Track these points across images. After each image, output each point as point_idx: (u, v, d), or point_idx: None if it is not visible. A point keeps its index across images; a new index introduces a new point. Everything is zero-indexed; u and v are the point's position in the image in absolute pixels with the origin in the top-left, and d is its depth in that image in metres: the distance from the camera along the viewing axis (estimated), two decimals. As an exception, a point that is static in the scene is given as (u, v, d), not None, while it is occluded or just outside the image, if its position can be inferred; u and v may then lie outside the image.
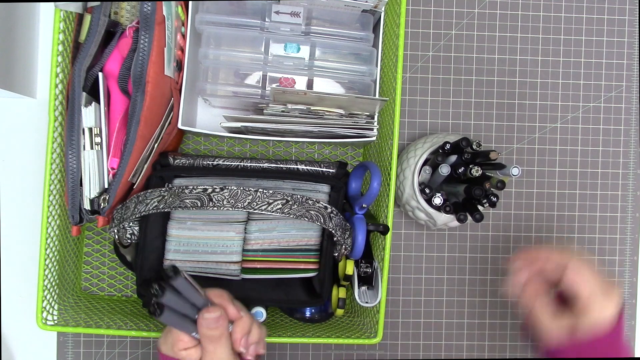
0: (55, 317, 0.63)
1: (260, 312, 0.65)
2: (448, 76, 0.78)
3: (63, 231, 0.65)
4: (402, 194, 0.70)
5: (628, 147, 0.80)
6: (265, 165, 0.66)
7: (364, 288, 0.66)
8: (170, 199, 0.58)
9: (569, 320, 0.57)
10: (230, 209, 0.56)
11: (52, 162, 0.61)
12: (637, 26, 0.80)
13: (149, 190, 0.61)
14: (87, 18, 0.60)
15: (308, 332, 0.67)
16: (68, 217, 0.62)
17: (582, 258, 0.59)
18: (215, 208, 0.56)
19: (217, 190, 0.58)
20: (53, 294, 0.64)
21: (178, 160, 0.66)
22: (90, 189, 0.60)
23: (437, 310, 0.78)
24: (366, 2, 0.63)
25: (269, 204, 0.57)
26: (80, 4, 0.60)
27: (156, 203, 0.58)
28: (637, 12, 0.80)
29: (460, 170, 0.65)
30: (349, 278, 0.65)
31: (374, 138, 0.65)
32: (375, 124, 0.64)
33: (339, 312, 0.68)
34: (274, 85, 0.66)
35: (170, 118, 0.64)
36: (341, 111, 0.63)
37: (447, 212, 0.68)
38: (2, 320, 0.73)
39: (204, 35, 0.65)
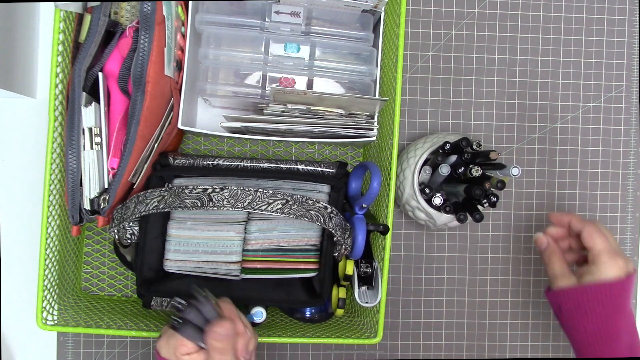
0: (55, 317, 0.63)
1: (260, 312, 0.65)
2: (448, 76, 0.78)
3: (63, 231, 0.65)
4: (402, 194, 0.70)
5: (628, 147, 0.80)
6: (265, 165, 0.66)
7: (364, 288, 0.66)
8: (170, 199, 0.58)
9: (579, 269, 0.63)
10: (230, 209, 0.56)
11: (52, 162, 0.61)
12: (637, 26, 0.80)
13: (149, 190, 0.61)
14: (87, 18, 0.60)
15: (308, 332, 0.67)
16: (68, 217, 0.62)
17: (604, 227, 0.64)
18: (215, 208, 0.56)
19: (217, 190, 0.58)
20: (53, 294, 0.64)
21: (178, 160, 0.66)
22: (90, 189, 0.60)
23: (437, 310, 0.78)
24: (366, 2, 0.63)
25: (269, 204, 0.57)
26: (80, 4, 0.60)
27: (156, 203, 0.58)
28: (637, 12, 0.80)
29: (460, 170, 0.65)
30: (349, 278, 0.65)
31: (374, 138, 0.65)
32: (375, 124, 0.64)
33: (339, 312, 0.68)
34: (274, 85, 0.66)
35: (170, 118, 0.64)
36: (341, 111, 0.63)
37: (447, 212, 0.68)
38: (2, 320, 0.73)
39: (204, 35, 0.65)
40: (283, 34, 0.66)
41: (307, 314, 0.70)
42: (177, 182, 0.65)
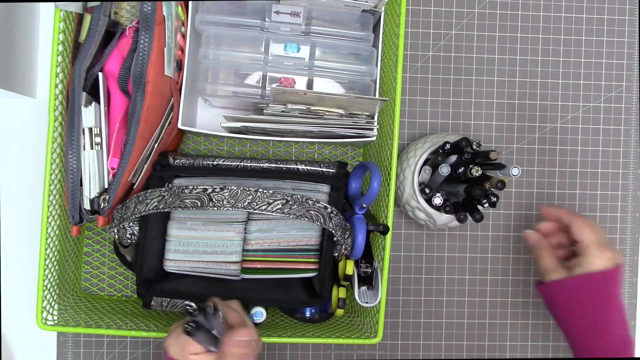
0: (55, 317, 0.63)
1: (260, 312, 0.65)
2: (448, 76, 0.78)
3: (63, 231, 0.65)
4: (402, 194, 0.70)
5: (628, 147, 0.80)
6: (265, 165, 0.66)
7: (364, 288, 0.66)
8: (170, 199, 0.58)
9: (569, 263, 0.64)
10: (230, 209, 0.56)
11: (52, 162, 0.61)
12: (637, 26, 0.80)
13: (149, 190, 0.61)
14: (87, 18, 0.60)
15: (308, 332, 0.67)
16: (68, 217, 0.62)
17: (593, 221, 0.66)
18: (215, 208, 0.56)
19: (217, 190, 0.58)
20: (53, 294, 0.64)
21: (178, 160, 0.66)
22: (90, 189, 0.60)
23: (437, 310, 0.78)
24: (366, 2, 0.63)
25: (269, 204, 0.57)
26: (80, 4, 0.60)
27: (156, 203, 0.58)
28: (637, 12, 0.80)
29: (460, 170, 0.65)
30: (349, 278, 0.65)
31: (374, 138, 0.65)
32: (375, 124, 0.64)
33: (339, 312, 0.68)
34: (274, 85, 0.66)
35: (170, 118, 0.64)
36: (341, 111, 0.63)
37: (447, 212, 0.68)
38: (2, 320, 0.73)
39: (204, 35, 0.65)
40: (283, 34, 0.66)
41: (307, 314, 0.70)
42: (177, 182, 0.65)
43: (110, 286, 0.75)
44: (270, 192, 0.58)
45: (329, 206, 0.60)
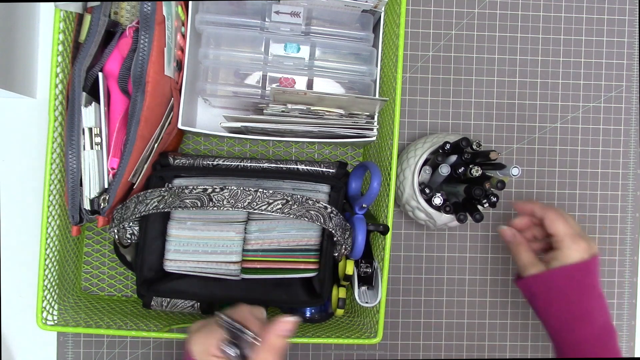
0: (55, 317, 0.63)
1: (260, 312, 0.65)
2: (448, 76, 0.78)
3: (63, 231, 0.65)
4: (402, 194, 0.70)
5: (628, 147, 0.80)
6: (265, 165, 0.66)
7: (364, 288, 0.66)
8: (170, 199, 0.58)
9: (546, 256, 0.65)
10: (230, 209, 0.56)
11: (52, 162, 0.61)
12: (637, 26, 0.80)
13: (149, 190, 0.61)
14: (87, 18, 0.60)
15: (308, 332, 0.67)
16: (68, 217, 0.62)
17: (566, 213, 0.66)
18: (215, 208, 0.56)
19: (217, 190, 0.58)
20: (53, 294, 0.64)
21: (178, 160, 0.66)
22: (90, 189, 0.60)
23: (437, 310, 0.78)
24: (366, 2, 0.63)
25: (269, 204, 0.57)
26: (80, 4, 0.60)
27: (156, 203, 0.58)
28: (637, 12, 0.80)
29: (460, 170, 0.65)
30: (349, 278, 0.65)
31: (374, 138, 0.65)
32: (375, 124, 0.64)
33: (339, 312, 0.68)
34: (274, 85, 0.66)
35: (170, 118, 0.64)
36: (341, 111, 0.63)
37: (447, 212, 0.68)
38: (2, 320, 0.73)
39: (204, 35, 0.65)
40: (283, 34, 0.66)
41: (307, 314, 0.70)
42: (177, 182, 0.65)
43: (110, 286, 0.75)
44: (270, 192, 0.58)
45: (329, 206, 0.60)
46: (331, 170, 0.66)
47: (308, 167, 0.66)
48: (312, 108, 0.62)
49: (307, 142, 0.75)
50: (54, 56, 0.59)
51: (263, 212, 0.57)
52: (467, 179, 0.68)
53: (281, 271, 0.63)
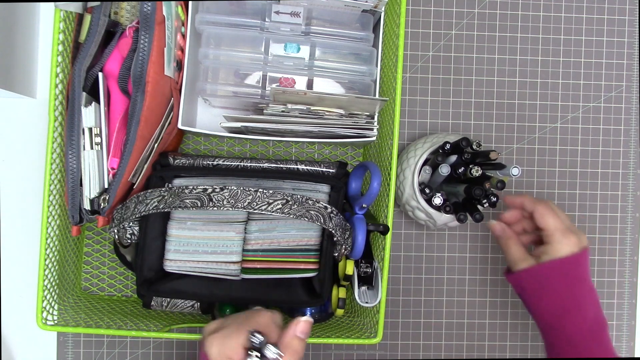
0: (55, 317, 0.63)
1: (260, 312, 0.65)
2: (448, 76, 0.78)
3: (63, 231, 0.65)
4: (402, 194, 0.70)
5: (628, 147, 0.80)
6: (265, 165, 0.66)
7: (364, 288, 0.66)
8: (170, 199, 0.58)
9: (536, 250, 0.65)
10: (230, 209, 0.56)
11: (52, 162, 0.61)
12: (637, 26, 0.80)
13: (149, 190, 0.61)
14: (87, 18, 0.60)
15: (308, 332, 0.67)
16: (68, 217, 0.62)
17: (556, 205, 0.66)
18: (215, 208, 0.56)
19: (217, 190, 0.58)
20: (53, 294, 0.64)
21: (178, 160, 0.66)
22: (90, 189, 0.60)
23: (437, 310, 0.78)
24: (366, 2, 0.63)
25: (269, 204, 0.57)
26: (80, 4, 0.60)
27: (156, 203, 0.58)
28: (637, 12, 0.80)
29: (460, 170, 0.65)
30: (349, 278, 0.65)
31: (374, 138, 0.65)
32: (375, 124, 0.64)
33: (339, 312, 0.68)
34: (274, 85, 0.66)
35: (170, 118, 0.64)
36: (341, 111, 0.63)
37: (447, 212, 0.68)
38: (2, 320, 0.73)
39: (204, 35, 0.65)
40: (283, 34, 0.66)
41: (307, 314, 0.70)
42: (177, 182, 0.65)
43: (110, 286, 0.75)
44: (270, 192, 0.58)
45: (329, 206, 0.60)
46: (331, 170, 0.66)
47: (308, 167, 0.66)
48: (312, 108, 0.62)
49: (307, 142, 0.75)
50: (54, 56, 0.59)
51: (263, 212, 0.57)
52: (467, 179, 0.68)
53: (281, 271, 0.63)
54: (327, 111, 0.63)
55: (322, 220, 0.58)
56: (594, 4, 0.79)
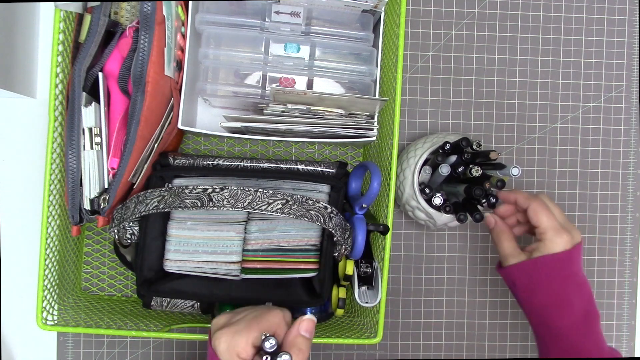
0: (55, 317, 0.63)
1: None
2: (448, 76, 0.78)
3: (63, 231, 0.65)
4: (402, 194, 0.70)
5: (628, 147, 0.80)
6: (265, 165, 0.66)
7: (364, 288, 0.66)
8: (170, 199, 0.58)
9: (528, 246, 0.64)
10: (230, 209, 0.56)
11: (52, 162, 0.61)
12: (637, 26, 0.80)
13: (149, 190, 0.61)
14: (87, 18, 0.60)
15: (308, 332, 0.67)
16: (68, 217, 0.62)
17: (551, 200, 0.65)
18: (215, 208, 0.56)
19: (217, 190, 0.58)
20: (53, 294, 0.64)
21: (178, 160, 0.66)
22: (90, 189, 0.60)
23: (437, 310, 0.78)
24: (366, 2, 0.63)
25: (269, 204, 0.57)
26: (80, 4, 0.60)
27: (156, 203, 0.58)
28: (637, 12, 0.80)
29: (460, 170, 0.65)
30: (349, 278, 0.65)
31: (374, 138, 0.65)
32: (375, 124, 0.64)
33: (339, 312, 0.68)
34: (274, 85, 0.66)
35: (170, 118, 0.64)
36: (341, 111, 0.63)
37: (447, 212, 0.68)
38: (2, 320, 0.73)
39: (204, 35, 0.65)
40: (283, 34, 0.66)
41: (307, 313, 0.70)
42: (177, 182, 0.65)
43: (110, 286, 0.75)
44: (270, 192, 0.58)
45: (329, 206, 0.60)
46: (331, 170, 0.66)
47: (308, 167, 0.66)
48: (312, 108, 0.62)
49: (307, 142, 0.75)
50: (54, 56, 0.59)
51: (263, 212, 0.57)
52: (467, 179, 0.68)
53: (281, 271, 0.63)
54: (327, 111, 0.63)
55: (322, 220, 0.58)
56: (594, 4, 0.79)
